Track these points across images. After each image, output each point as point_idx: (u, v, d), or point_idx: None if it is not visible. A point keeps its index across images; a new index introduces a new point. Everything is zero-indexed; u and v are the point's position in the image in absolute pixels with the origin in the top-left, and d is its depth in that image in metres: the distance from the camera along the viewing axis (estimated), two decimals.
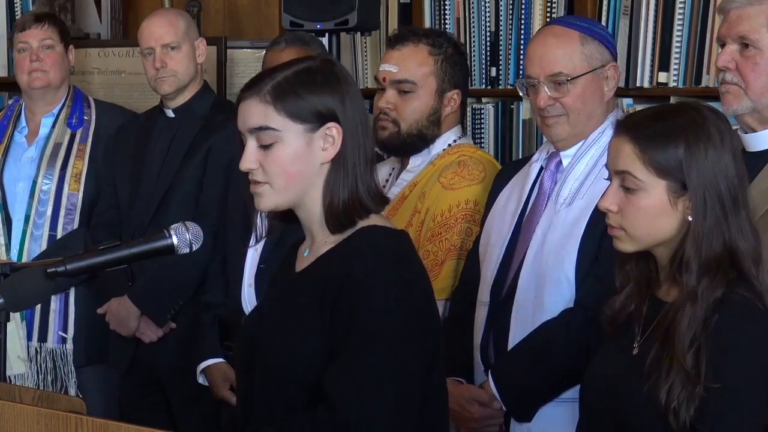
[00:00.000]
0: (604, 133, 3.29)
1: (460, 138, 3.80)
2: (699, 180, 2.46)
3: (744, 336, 2.42)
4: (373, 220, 2.57)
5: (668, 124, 2.49)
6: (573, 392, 3.13)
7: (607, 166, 2.58)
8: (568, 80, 3.26)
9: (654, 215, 2.49)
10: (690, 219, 2.47)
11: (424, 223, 3.63)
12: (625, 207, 2.51)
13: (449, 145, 3.76)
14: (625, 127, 2.53)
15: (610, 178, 2.56)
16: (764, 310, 2.45)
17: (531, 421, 3.23)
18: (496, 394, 3.24)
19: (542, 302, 3.22)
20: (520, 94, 3.42)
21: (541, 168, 3.37)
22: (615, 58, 3.37)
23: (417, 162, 3.76)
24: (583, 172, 3.27)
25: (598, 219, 3.10)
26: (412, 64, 3.71)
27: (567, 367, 3.15)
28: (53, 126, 4.65)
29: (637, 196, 2.50)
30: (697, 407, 2.38)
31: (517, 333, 3.25)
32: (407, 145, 3.73)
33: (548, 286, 3.21)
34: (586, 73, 3.28)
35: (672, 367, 2.41)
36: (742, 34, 2.99)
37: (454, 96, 3.74)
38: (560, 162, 3.33)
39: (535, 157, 3.43)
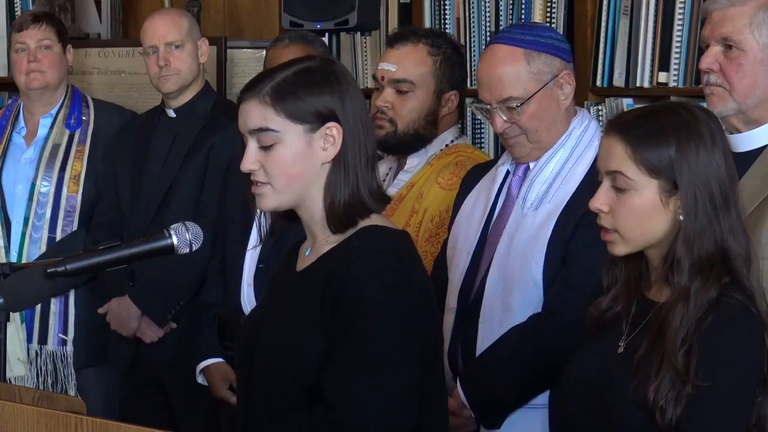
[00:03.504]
0: (571, 136, 3.24)
1: (457, 138, 3.79)
2: (690, 179, 2.46)
3: (737, 338, 2.42)
4: (375, 219, 2.57)
5: (660, 124, 2.49)
6: (543, 398, 3.13)
7: (598, 166, 2.57)
8: (519, 105, 3.20)
9: (645, 215, 2.49)
10: (681, 218, 2.47)
11: (422, 224, 3.63)
12: (617, 207, 2.51)
13: (446, 145, 3.75)
14: (617, 127, 2.52)
15: (601, 179, 2.55)
16: (757, 313, 2.45)
17: (500, 428, 3.20)
18: (465, 402, 3.21)
19: (509, 307, 3.19)
20: (478, 116, 3.36)
21: (508, 172, 3.33)
22: (568, 61, 3.28)
23: (414, 162, 3.75)
24: (550, 176, 3.23)
25: (565, 222, 3.11)
26: (411, 63, 3.70)
27: (536, 372, 3.12)
28: (51, 127, 4.65)
29: (628, 196, 2.49)
30: (684, 406, 2.38)
31: (484, 339, 3.21)
32: (403, 144, 3.72)
33: (515, 291, 3.18)
34: (536, 92, 3.21)
35: (662, 365, 2.41)
36: (726, 35, 2.98)
37: (451, 97, 3.73)
38: (527, 166, 3.29)
39: (501, 160, 3.39)
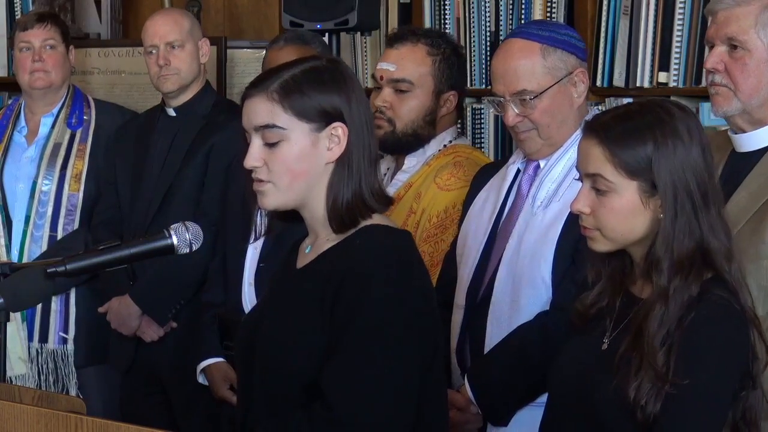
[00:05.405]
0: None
1: (455, 138, 3.79)
2: (668, 178, 2.46)
3: (718, 335, 2.42)
4: (376, 219, 2.57)
5: (635, 124, 2.49)
6: None
7: (577, 168, 2.58)
8: (532, 98, 3.21)
9: (626, 216, 2.49)
10: (661, 217, 2.48)
11: (419, 224, 3.63)
12: (598, 208, 2.51)
13: (444, 145, 3.75)
14: (593, 129, 2.52)
15: (581, 180, 2.56)
16: (740, 310, 2.45)
17: (507, 425, 3.20)
18: (472, 399, 3.21)
19: (518, 305, 3.19)
20: (490, 110, 3.35)
21: (518, 171, 3.34)
22: (583, 60, 3.30)
23: (412, 162, 3.75)
24: (560, 175, 3.24)
25: (574, 221, 3.10)
26: (410, 63, 3.70)
27: (543, 370, 3.09)
28: (53, 126, 4.65)
29: (608, 198, 2.50)
30: (663, 402, 2.39)
31: (493, 336, 3.22)
32: (402, 144, 3.72)
33: (524, 289, 3.19)
34: (550, 87, 3.22)
35: (642, 365, 2.41)
36: (731, 35, 2.98)
37: (450, 97, 3.73)
38: (538, 165, 3.30)
39: (512, 159, 3.39)
